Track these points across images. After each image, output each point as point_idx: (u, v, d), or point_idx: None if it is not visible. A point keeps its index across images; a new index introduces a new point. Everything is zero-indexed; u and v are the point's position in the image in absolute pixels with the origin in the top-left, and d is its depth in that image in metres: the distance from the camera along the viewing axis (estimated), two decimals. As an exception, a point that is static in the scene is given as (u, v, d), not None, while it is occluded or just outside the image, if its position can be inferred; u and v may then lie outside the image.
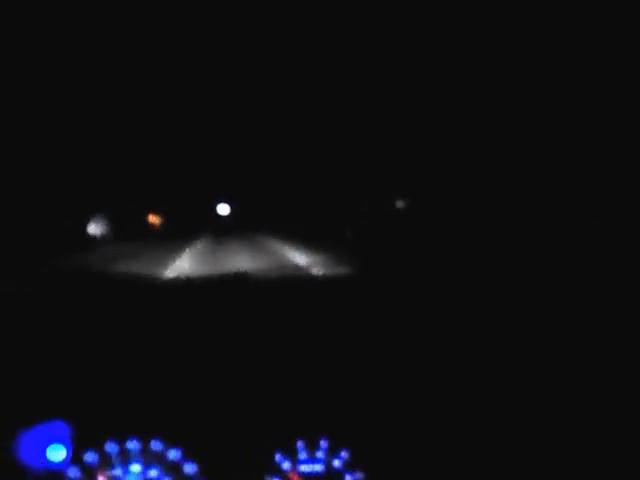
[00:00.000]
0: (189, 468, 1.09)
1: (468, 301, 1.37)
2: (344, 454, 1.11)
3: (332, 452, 1.12)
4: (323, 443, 1.12)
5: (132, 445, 1.09)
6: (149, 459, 1.09)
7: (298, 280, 1.81)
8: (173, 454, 1.10)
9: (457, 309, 1.34)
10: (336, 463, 1.11)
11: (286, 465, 1.11)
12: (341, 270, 1.86)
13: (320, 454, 1.11)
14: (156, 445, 1.10)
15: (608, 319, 1.27)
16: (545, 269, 1.55)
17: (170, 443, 1.10)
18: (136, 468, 1.09)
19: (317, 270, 1.93)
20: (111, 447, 1.09)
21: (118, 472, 1.08)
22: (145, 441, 1.10)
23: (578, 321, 1.28)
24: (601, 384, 1.18)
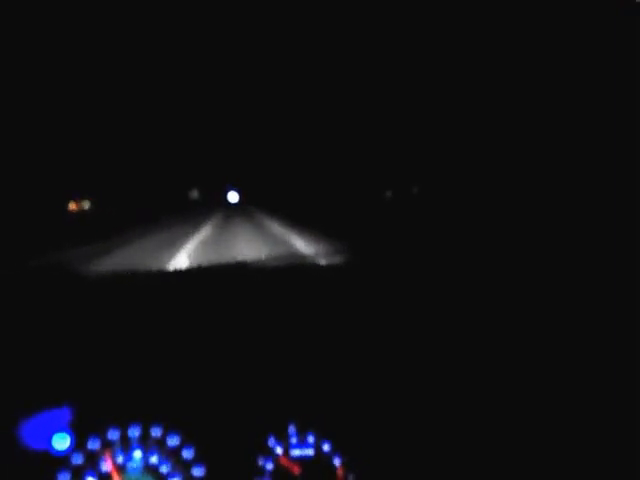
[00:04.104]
0: (187, 453, 1.14)
1: (466, 296, 1.38)
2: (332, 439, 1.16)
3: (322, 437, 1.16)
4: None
5: (133, 432, 1.15)
6: (149, 445, 1.15)
7: (296, 268, 1.83)
8: (172, 440, 1.15)
9: (455, 302, 1.35)
10: (325, 447, 1.16)
11: (278, 449, 1.16)
12: (342, 260, 1.88)
13: (311, 439, 1.16)
14: (156, 431, 1.15)
15: (609, 313, 1.27)
16: (544, 265, 1.55)
17: (169, 429, 1.16)
18: (137, 454, 1.14)
19: (317, 259, 1.95)
20: (113, 434, 1.14)
21: (120, 458, 1.13)
22: (145, 428, 1.15)
23: (575, 316, 1.28)
24: (601, 382, 1.19)
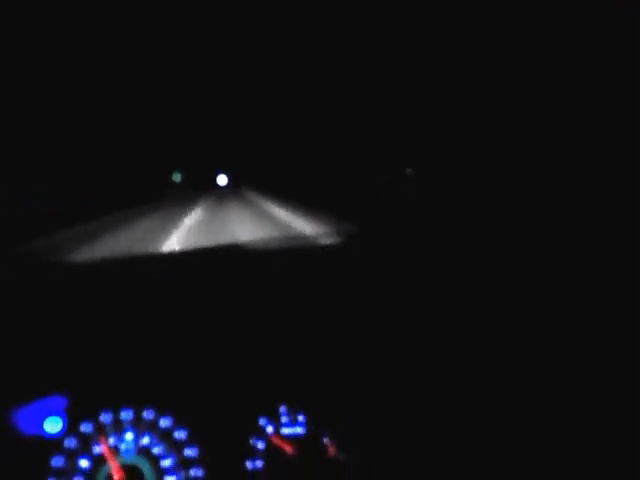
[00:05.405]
0: (180, 434, 1.16)
1: (468, 277, 1.37)
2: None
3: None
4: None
5: (125, 415, 1.16)
6: (142, 427, 1.16)
7: (290, 249, 1.82)
8: (164, 422, 1.16)
9: (456, 284, 1.35)
10: (317, 425, 1.18)
11: (270, 428, 1.17)
12: (340, 240, 1.87)
13: (301, 417, 1.18)
14: (148, 414, 1.17)
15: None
16: (543, 255, 1.54)
17: (161, 411, 1.17)
18: (130, 436, 1.15)
19: (312, 240, 1.93)
20: (106, 417, 1.16)
21: (113, 441, 1.15)
22: (138, 410, 1.17)
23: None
24: (601, 381, 1.19)
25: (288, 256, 1.59)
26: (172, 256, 1.87)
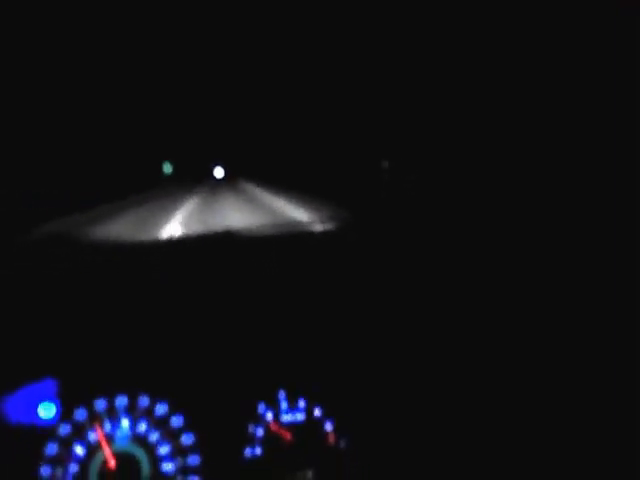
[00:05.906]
0: (176, 421, 1.14)
1: (465, 264, 1.36)
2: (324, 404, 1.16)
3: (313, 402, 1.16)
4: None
5: (120, 401, 1.14)
6: (137, 414, 1.14)
7: (287, 235, 1.81)
8: (160, 408, 1.14)
9: (454, 270, 1.33)
10: (316, 412, 1.16)
11: (269, 415, 1.15)
12: (336, 226, 1.85)
13: (301, 404, 1.16)
14: (143, 400, 1.14)
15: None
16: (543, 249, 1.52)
17: (157, 398, 1.14)
18: (125, 423, 1.13)
19: (308, 227, 1.92)
20: (100, 404, 1.13)
21: (108, 428, 1.12)
22: (133, 397, 1.14)
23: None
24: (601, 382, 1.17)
25: (285, 243, 1.57)
26: (167, 244, 1.84)
